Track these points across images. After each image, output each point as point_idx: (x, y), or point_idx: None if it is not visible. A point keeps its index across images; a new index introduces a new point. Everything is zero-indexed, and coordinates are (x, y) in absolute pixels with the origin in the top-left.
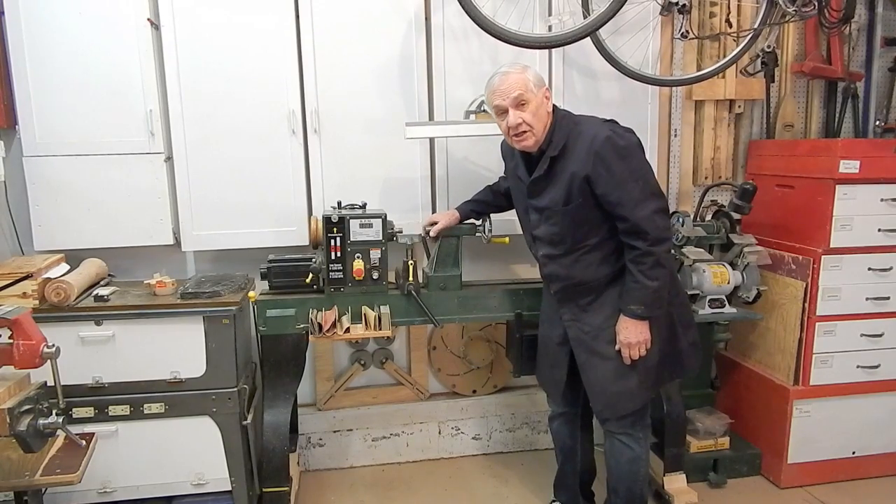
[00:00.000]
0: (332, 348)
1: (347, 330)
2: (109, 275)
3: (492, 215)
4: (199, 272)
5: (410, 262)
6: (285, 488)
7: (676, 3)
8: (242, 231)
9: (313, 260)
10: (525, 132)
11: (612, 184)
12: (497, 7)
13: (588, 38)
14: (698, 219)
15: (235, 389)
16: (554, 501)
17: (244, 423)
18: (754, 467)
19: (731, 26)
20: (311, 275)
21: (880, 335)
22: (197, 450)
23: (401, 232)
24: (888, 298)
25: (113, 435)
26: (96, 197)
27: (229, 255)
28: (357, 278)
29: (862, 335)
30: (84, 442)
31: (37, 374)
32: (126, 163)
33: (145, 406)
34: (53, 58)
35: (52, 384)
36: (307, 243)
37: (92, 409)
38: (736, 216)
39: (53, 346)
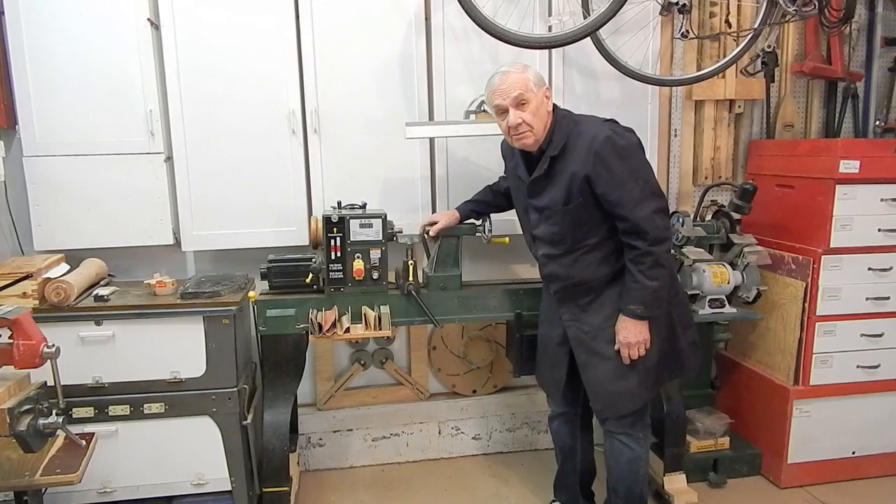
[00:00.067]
0: (332, 348)
1: (347, 330)
2: (109, 275)
3: (492, 215)
4: (199, 272)
5: (410, 262)
6: (285, 488)
7: (676, 3)
8: (242, 231)
9: (313, 260)
10: (525, 132)
11: (612, 183)
12: (497, 7)
13: (588, 38)
14: (698, 219)
15: (235, 389)
16: (554, 501)
17: (244, 423)
18: (754, 467)
19: (730, 26)
20: (311, 275)
21: (880, 335)
22: (197, 450)
23: (401, 232)
24: (888, 298)
25: (113, 435)
26: (96, 197)
27: (229, 255)
28: (357, 278)
29: (862, 335)
30: (84, 442)
31: (37, 374)
32: (126, 163)
33: (145, 406)
34: (53, 58)
35: (52, 384)
36: (307, 243)
37: (92, 409)
38: (736, 216)
39: (53, 346)
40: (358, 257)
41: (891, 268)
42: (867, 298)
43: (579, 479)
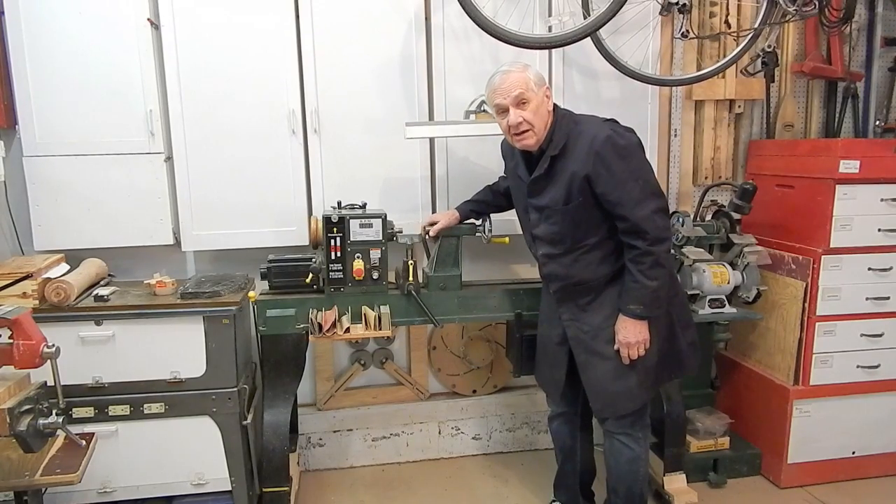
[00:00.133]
0: (332, 348)
1: (347, 330)
2: (109, 275)
3: (492, 215)
4: (199, 272)
5: (410, 262)
6: (285, 488)
7: (676, 3)
8: (242, 231)
9: (313, 260)
10: (526, 131)
11: (612, 183)
12: (497, 7)
13: (588, 38)
14: (698, 219)
15: (235, 389)
16: (554, 501)
17: (244, 423)
18: (754, 467)
19: (730, 26)
20: (311, 275)
21: (880, 335)
22: (197, 450)
23: (401, 232)
24: (888, 298)
25: (113, 435)
26: (96, 197)
27: (229, 255)
28: (357, 278)
29: (862, 335)
30: (84, 442)
31: (37, 374)
32: (126, 163)
33: (145, 406)
34: (53, 58)
35: (52, 384)
36: (307, 243)
37: (92, 409)
38: (736, 216)
39: (53, 346)
40: (358, 257)
41: (891, 268)
42: (867, 298)
43: (579, 479)
